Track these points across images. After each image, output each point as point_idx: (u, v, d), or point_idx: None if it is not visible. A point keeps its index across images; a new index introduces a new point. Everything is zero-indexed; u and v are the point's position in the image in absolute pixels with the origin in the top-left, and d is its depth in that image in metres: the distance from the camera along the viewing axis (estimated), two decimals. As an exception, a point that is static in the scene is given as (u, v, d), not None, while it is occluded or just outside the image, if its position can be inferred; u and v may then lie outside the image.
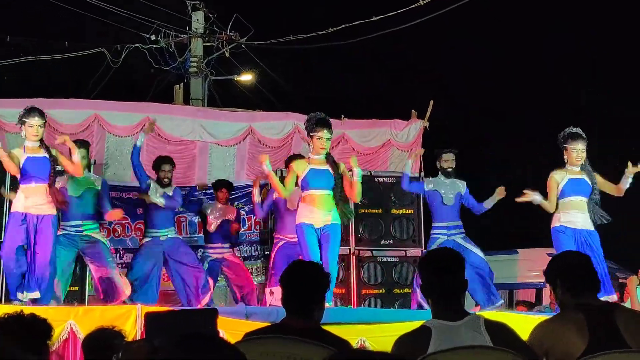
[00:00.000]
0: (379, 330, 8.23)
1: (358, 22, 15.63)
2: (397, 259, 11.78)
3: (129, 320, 7.92)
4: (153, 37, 17.46)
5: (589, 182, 9.65)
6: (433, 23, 15.08)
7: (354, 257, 11.48)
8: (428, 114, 13.61)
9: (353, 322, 8.36)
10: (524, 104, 24.58)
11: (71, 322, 7.96)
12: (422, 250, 11.63)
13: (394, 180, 11.75)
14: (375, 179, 11.81)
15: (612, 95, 23.28)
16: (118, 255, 12.11)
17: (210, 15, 18.13)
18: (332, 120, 13.21)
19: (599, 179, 9.75)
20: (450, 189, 10.63)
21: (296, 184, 9.47)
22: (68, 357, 7.92)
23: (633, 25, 22.39)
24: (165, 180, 10.50)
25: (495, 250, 17.47)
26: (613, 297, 9.47)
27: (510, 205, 10.28)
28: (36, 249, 8.86)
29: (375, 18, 15.24)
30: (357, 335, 8.05)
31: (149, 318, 7.29)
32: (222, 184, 11.46)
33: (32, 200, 8.87)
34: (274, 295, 9.41)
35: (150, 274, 10.27)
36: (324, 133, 9.40)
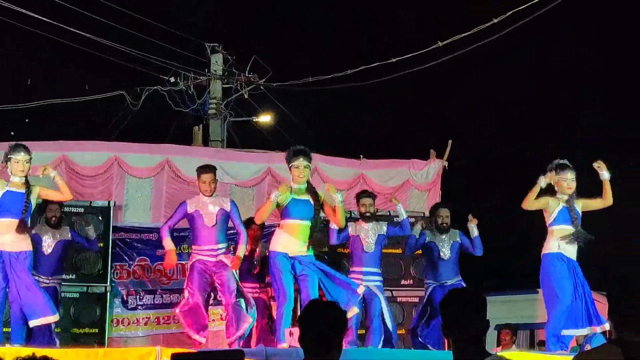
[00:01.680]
0: (400, 371, 8.15)
1: (376, 63, 15.65)
2: (417, 299, 11.69)
3: (149, 362, 7.87)
4: (172, 80, 17.55)
5: (576, 210, 9.66)
6: (450, 63, 15.11)
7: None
8: (447, 153, 13.59)
9: (374, 363, 8.28)
10: (532, 138, 24.61)
11: (91, 365, 7.92)
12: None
13: (413, 220, 11.69)
14: (395, 219, 11.73)
15: (612, 116, 23.21)
16: (138, 296, 12.10)
17: (229, 58, 18.23)
18: (351, 160, 13.32)
19: (584, 202, 9.75)
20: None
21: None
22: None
23: (634, 46, 22.39)
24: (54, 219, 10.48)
25: (515, 289, 17.38)
26: (605, 326, 9.40)
27: (530, 245, 10.20)
28: (16, 285, 8.82)
29: (394, 59, 15.25)
30: (378, 377, 7.96)
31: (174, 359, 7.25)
32: (251, 222, 11.13)
33: (6, 236, 8.83)
34: (294, 336, 9.32)
35: None
36: (301, 161, 9.41)
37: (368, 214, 10.38)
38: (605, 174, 9.69)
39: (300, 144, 9.82)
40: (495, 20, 13.57)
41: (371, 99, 22.58)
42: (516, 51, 22.78)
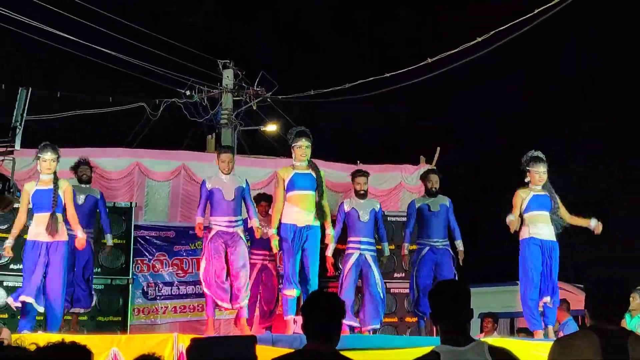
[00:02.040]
0: (393, 356, 8.16)
1: (371, 78, 15.68)
2: (408, 290, 11.72)
3: (167, 347, 7.92)
4: (188, 93, 17.59)
5: (550, 197, 9.62)
6: (439, 77, 15.09)
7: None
8: (435, 159, 13.62)
9: (368, 348, 8.31)
10: (533, 143, 24.23)
11: (114, 350, 7.96)
12: (431, 282, 11.56)
13: (404, 218, 11.72)
14: (388, 218, 11.79)
15: (613, 121, 22.69)
16: (157, 288, 12.14)
17: (239, 73, 18.26)
18: (348, 165, 13.34)
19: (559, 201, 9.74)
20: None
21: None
22: (112, 381, 7.91)
23: (635, 50, 22.00)
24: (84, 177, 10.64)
25: (497, 282, 17.40)
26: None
27: (512, 242, 10.17)
28: (47, 272, 8.86)
29: (388, 75, 15.27)
30: (372, 360, 7.99)
31: (194, 343, 7.32)
32: (261, 198, 11.22)
33: (40, 227, 8.89)
34: (298, 323, 9.36)
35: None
36: (303, 141, 9.58)
37: (362, 192, 10.38)
38: (592, 224, 9.61)
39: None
40: (492, 34, 13.49)
41: (367, 110, 22.58)
42: (518, 57, 22.37)
